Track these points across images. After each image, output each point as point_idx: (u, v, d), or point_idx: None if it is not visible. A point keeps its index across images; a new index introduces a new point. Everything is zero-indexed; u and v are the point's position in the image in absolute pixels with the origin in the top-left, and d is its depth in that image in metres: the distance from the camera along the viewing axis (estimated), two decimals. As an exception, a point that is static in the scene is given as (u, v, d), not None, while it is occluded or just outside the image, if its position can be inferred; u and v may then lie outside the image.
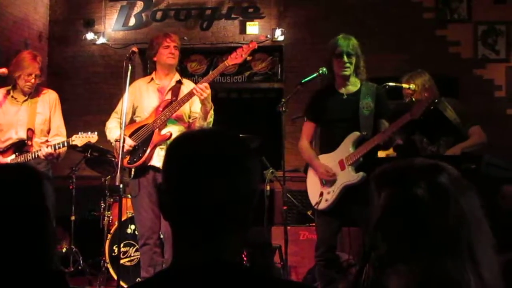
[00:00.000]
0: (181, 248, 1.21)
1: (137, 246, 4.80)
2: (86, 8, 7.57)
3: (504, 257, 1.49)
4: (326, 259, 3.76)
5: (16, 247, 1.54)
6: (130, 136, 4.08)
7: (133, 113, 4.23)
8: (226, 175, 1.18)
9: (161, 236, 4.20)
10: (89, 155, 5.43)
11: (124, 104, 3.88)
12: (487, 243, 1.34)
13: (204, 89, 3.94)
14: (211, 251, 1.18)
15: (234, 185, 1.18)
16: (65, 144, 4.23)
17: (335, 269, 3.80)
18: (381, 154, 4.15)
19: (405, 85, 4.37)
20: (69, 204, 5.51)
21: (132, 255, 5.10)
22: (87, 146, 4.68)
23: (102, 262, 5.23)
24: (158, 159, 4.04)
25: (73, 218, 5.58)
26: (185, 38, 7.03)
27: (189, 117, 4.23)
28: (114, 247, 5.08)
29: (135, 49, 4.04)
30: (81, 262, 5.48)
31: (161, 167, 1.30)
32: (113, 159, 5.14)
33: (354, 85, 3.84)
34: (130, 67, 3.88)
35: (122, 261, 4.97)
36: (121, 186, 3.78)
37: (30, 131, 4.33)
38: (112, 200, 5.49)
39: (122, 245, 5.03)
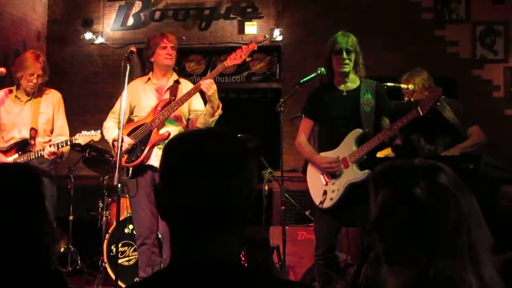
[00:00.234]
0: (179, 248, 1.21)
1: (135, 246, 4.79)
2: (84, 7, 7.56)
3: (502, 257, 1.49)
4: (325, 259, 3.75)
5: (13, 247, 1.54)
6: (128, 136, 4.08)
7: (131, 112, 4.23)
8: (223, 174, 1.18)
9: (159, 236, 4.20)
10: (87, 155, 5.42)
11: (123, 104, 3.88)
12: (486, 242, 1.34)
13: (210, 84, 3.95)
14: (209, 251, 1.18)
15: (231, 185, 1.18)
16: (68, 143, 4.23)
17: (334, 269, 3.80)
18: (379, 154, 4.14)
19: (403, 85, 4.36)
20: (67, 203, 5.50)
21: (130, 255, 5.09)
22: (85, 145, 4.68)
23: (100, 261, 5.22)
24: (156, 158, 4.03)
25: (71, 217, 5.58)
26: (184, 38, 7.03)
27: (189, 116, 4.23)
28: (112, 247, 5.07)
29: (133, 49, 4.04)
30: (79, 261, 5.48)
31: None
32: (111, 158, 5.14)
33: (353, 82, 3.82)
34: (128, 67, 3.88)
35: (120, 261, 4.97)
36: (119, 185, 3.78)
37: (33, 131, 4.34)
38: (110, 199, 5.49)
39: (120, 244, 5.03)
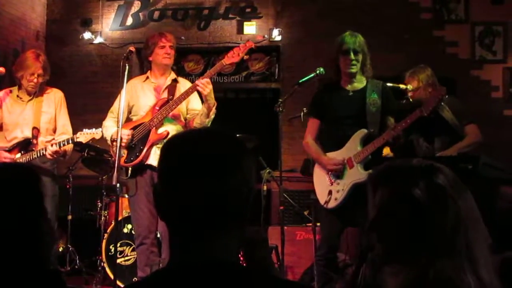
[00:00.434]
0: (178, 248, 1.21)
1: (133, 246, 4.79)
2: (83, 7, 7.56)
3: (500, 256, 1.50)
4: (326, 259, 3.75)
5: (12, 246, 1.54)
6: (127, 135, 4.07)
7: (129, 112, 4.22)
8: (222, 174, 1.18)
9: (158, 236, 4.19)
10: (86, 154, 5.42)
11: (122, 103, 3.88)
12: (484, 242, 1.34)
13: (206, 84, 3.94)
14: (208, 251, 1.18)
15: (230, 185, 1.18)
16: (70, 141, 4.23)
17: (333, 269, 3.80)
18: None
19: (402, 86, 4.37)
20: (66, 203, 5.50)
21: (128, 254, 5.09)
22: (84, 145, 4.68)
23: (98, 261, 5.23)
24: (155, 158, 4.02)
25: (69, 217, 5.58)
26: (183, 38, 7.03)
27: (187, 115, 4.23)
28: (111, 247, 5.07)
29: (132, 48, 4.03)
30: (78, 261, 5.48)
31: (157, 166, 1.30)
32: (109, 158, 5.13)
33: (360, 82, 3.80)
34: (127, 67, 3.87)
35: (118, 261, 4.97)
36: (118, 185, 3.78)
37: (36, 130, 4.34)
38: (108, 199, 5.49)
39: (118, 244, 5.02)
